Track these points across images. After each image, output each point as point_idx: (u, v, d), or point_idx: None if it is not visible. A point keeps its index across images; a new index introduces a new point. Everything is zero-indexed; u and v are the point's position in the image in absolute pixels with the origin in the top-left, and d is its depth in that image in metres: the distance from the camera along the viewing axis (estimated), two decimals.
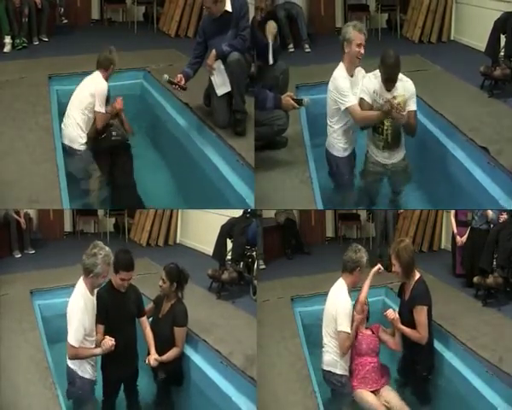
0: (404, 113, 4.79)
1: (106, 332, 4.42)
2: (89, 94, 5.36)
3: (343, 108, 4.90)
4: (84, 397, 4.46)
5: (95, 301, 4.39)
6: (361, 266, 4.57)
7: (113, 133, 5.51)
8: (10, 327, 5.42)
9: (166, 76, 5.40)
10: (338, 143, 5.07)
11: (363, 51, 4.87)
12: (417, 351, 4.70)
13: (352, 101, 4.88)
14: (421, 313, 4.57)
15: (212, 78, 5.43)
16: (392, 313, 4.64)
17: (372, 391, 4.61)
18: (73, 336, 4.23)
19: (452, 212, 7.00)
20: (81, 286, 4.33)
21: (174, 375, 4.86)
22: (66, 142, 5.41)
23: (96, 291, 4.42)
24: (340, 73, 4.91)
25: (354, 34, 4.82)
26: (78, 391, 4.42)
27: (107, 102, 5.47)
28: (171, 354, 4.73)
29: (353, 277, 4.59)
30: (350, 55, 4.87)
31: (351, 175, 5.21)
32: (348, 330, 4.51)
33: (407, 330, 4.60)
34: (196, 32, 7.74)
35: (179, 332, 4.78)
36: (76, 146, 5.39)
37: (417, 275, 4.68)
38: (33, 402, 4.44)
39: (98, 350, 4.35)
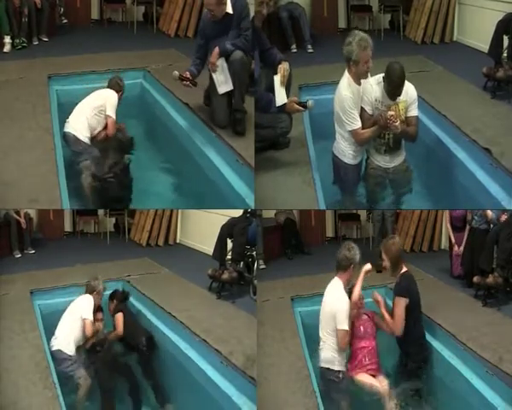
0: (397, 123, 4.73)
1: None
2: (101, 98, 5.58)
3: (348, 128, 4.84)
4: (74, 372, 5.09)
5: None
6: (354, 263, 4.68)
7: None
8: (10, 327, 5.42)
9: (176, 72, 5.39)
10: (348, 151, 4.96)
11: (371, 65, 4.73)
12: (409, 345, 4.80)
13: (355, 124, 4.81)
14: (397, 305, 4.74)
15: (214, 75, 5.42)
16: (378, 296, 4.88)
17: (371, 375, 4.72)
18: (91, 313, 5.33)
19: (447, 218, 6.99)
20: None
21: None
22: (71, 130, 5.44)
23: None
24: (345, 86, 4.79)
25: (360, 55, 4.66)
26: (67, 369, 5.07)
27: None
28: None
29: (347, 274, 4.69)
30: (357, 73, 4.75)
31: (357, 183, 5.17)
32: (347, 327, 4.59)
33: (387, 316, 4.81)
34: (196, 32, 7.81)
35: (116, 319, 5.59)
36: (80, 136, 5.42)
37: (404, 269, 4.85)
38: (34, 402, 4.45)
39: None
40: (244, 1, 5.37)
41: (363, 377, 4.71)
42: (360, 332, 4.78)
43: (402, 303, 4.73)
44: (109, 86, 5.70)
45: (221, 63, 5.36)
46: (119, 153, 5.55)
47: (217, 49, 5.32)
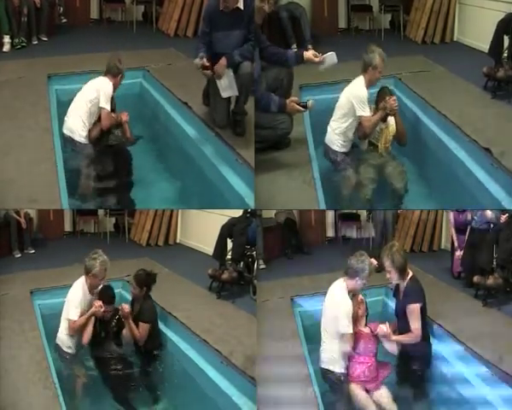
0: (396, 103, 5.30)
1: None
2: (94, 89, 5.38)
3: (359, 113, 5.26)
4: (70, 368, 5.07)
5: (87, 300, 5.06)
6: (360, 276, 4.53)
7: (112, 137, 5.50)
8: (10, 327, 5.42)
9: (199, 60, 5.20)
10: (338, 140, 5.41)
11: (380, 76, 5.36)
12: (413, 348, 4.73)
13: (368, 111, 5.29)
14: (413, 312, 4.63)
15: (218, 82, 5.35)
16: (383, 330, 4.65)
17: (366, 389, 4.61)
18: (73, 312, 4.94)
19: (451, 221, 6.99)
20: (82, 280, 5.07)
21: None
22: (67, 132, 5.42)
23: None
24: (361, 82, 5.28)
25: (380, 63, 5.23)
26: (64, 364, 5.05)
27: (113, 110, 5.49)
28: (135, 331, 5.16)
29: (353, 283, 4.57)
30: (372, 78, 5.29)
31: (345, 165, 5.43)
32: (351, 330, 4.54)
33: (401, 338, 4.67)
34: (196, 31, 7.82)
35: (142, 327, 5.16)
36: (76, 137, 5.38)
37: (410, 274, 4.74)
38: (34, 402, 4.45)
39: (91, 310, 4.97)
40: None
41: (356, 390, 4.58)
42: (360, 348, 4.62)
43: (417, 309, 4.62)
44: (107, 70, 5.44)
45: (227, 72, 5.29)
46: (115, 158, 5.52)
47: (224, 61, 5.23)
